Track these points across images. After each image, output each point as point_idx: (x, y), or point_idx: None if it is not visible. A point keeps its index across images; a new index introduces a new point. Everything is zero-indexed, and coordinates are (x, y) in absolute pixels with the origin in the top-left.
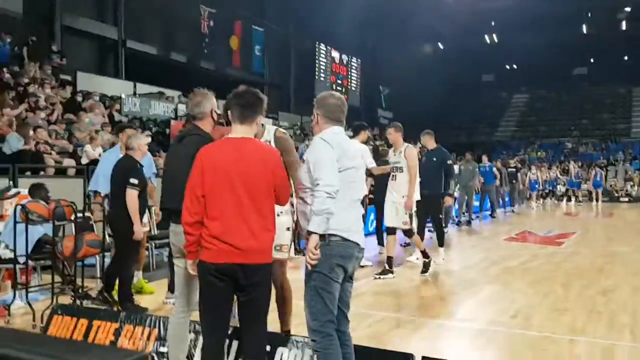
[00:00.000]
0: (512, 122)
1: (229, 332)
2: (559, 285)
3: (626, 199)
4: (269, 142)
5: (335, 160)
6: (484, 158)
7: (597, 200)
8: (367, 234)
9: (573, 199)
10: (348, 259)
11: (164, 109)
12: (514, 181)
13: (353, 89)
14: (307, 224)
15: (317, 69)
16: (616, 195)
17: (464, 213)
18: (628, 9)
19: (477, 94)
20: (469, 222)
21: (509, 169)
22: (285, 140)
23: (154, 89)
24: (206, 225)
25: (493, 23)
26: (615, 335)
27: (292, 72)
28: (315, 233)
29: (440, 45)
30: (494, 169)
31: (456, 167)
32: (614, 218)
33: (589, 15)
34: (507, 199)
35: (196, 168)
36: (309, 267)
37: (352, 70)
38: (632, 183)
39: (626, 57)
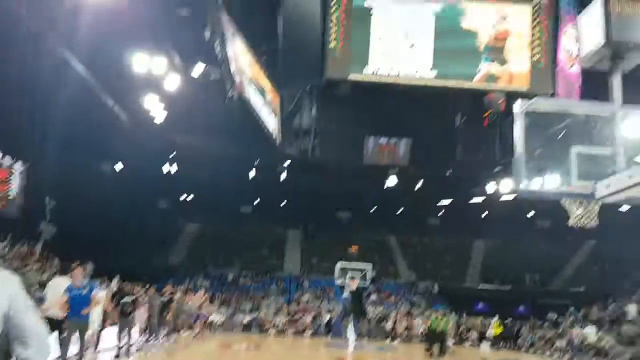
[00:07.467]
0: (183, 250)
1: None
2: None
3: (274, 330)
4: None
5: None
6: (77, 271)
7: None
8: None
9: None
10: None
11: None
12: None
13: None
14: None
15: None
16: (265, 328)
17: None
18: (287, 163)
19: (151, 220)
20: None
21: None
22: None
23: None
24: None
25: (171, 156)
26: None
27: None
28: None
29: (118, 167)
30: (94, 293)
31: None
32: (261, 350)
33: (257, 162)
34: None
35: None
36: None
37: (14, 176)
38: (282, 315)
39: (284, 203)
